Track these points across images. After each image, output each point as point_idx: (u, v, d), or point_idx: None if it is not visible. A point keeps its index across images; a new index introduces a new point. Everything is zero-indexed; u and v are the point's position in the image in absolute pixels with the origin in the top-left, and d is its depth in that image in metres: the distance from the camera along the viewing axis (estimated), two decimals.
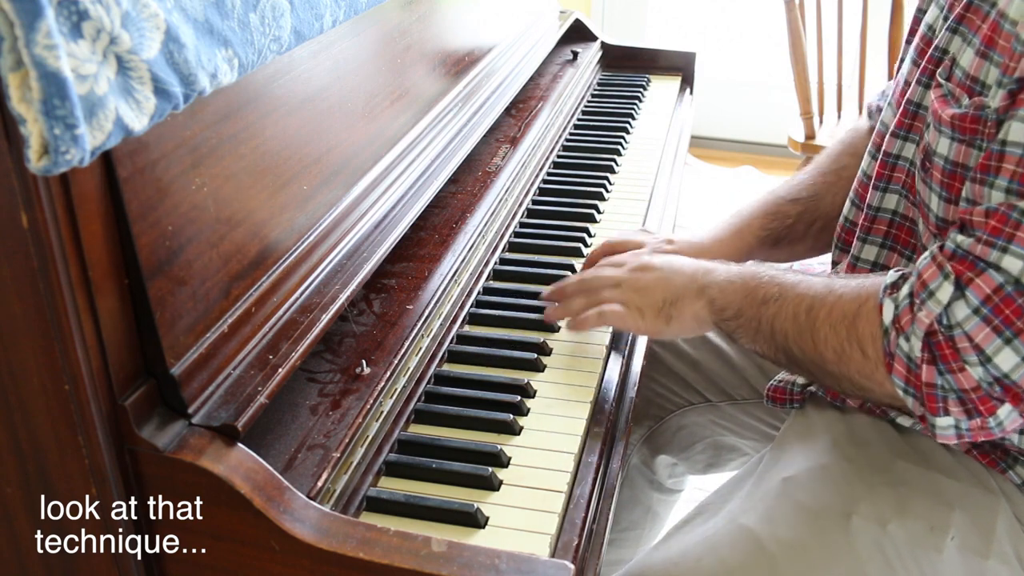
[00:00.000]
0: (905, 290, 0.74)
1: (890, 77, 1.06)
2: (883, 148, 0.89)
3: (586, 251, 1.12)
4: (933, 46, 0.83)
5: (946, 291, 0.70)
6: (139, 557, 0.66)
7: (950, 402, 0.72)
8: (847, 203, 0.97)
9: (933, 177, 0.79)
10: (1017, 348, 0.68)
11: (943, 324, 0.71)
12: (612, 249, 1.04)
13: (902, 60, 0.95)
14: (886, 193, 0.89)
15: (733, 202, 2.94)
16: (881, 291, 0.76)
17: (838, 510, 0.82)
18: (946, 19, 0.84)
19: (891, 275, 0.76)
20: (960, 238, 0.71)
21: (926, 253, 0.74)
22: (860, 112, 2.24)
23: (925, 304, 0.71)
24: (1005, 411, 0.71)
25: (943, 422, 0.73)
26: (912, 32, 0.93)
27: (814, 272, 1.09)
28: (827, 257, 1.11)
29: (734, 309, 0.86)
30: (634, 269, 0.93)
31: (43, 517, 0.66)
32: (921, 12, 0.92)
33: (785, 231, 1.06)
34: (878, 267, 0.91)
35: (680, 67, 1.75)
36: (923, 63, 0.84)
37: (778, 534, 0.82)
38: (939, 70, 0.81)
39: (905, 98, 0.87)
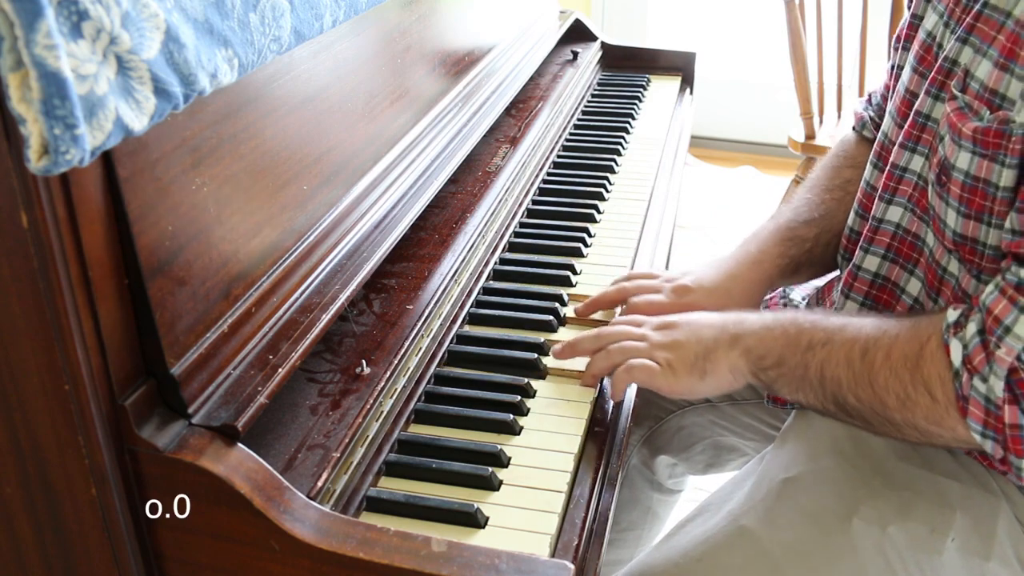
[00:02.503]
0: (973, 328, 0.71)
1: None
2: (891, 160, 0.87)
3: (585, 251, 1.12)
4: (942, 57, 0.81)
5: None
6: (139, 557, 0.66)
7: None
8: (852, 214, 0.96)
9: (950, 192, 0.77)
10: None
11: (1022, 361, 0.68)
12: (624, 296, 0.98)
13: (898, 67, 0.94)
14: (890, 205, 0.87)
15: (733, 202, 2.96)
16: (944, 330, 0.73)
17: (839, 512, 0.82)
18: (948, 26, 0.82)
19: (952, 313, 0.73)
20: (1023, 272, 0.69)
21: (990, 287, 0.71)
22: None
23: (1004, 341, 0.68)
24: None
25: None
26: (908, 38, 0.92)
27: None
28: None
29: (775, 357, 0.81)
30: (658, 326, 0.87)
31: (43, 517, 0.66)
32: (917, 18, 0.90)
33: (804, 256, 1.01)
34: (879, 278, 0.90)
35: (680, 67, 1.75)
36: (932, 74, 0.82)
37: (779, 536, 0.82)
38: (952, 82, 0.78)
39: (913, 109, 0.85)
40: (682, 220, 2.53)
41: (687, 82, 1.74)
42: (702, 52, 1.77)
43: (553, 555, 0.70)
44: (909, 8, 0.93)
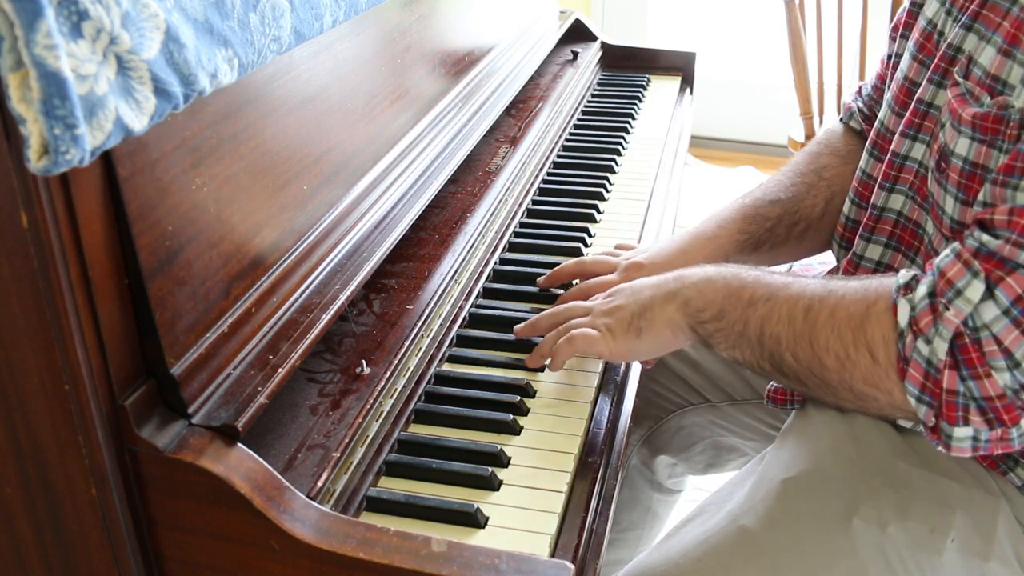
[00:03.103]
0: (923, 290, 0.70)
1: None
2: (891, 148, 0.87)
3: (586, 251, 1.12)
4: (946, 44, 0.80)
5: (976, 289, 0.67)
6: (139, 557, 0.66)
7: (971, 411, 0.68)
8: (847, 202, 0.96)
9: (949, 178, 0.77)
10: None
11: (969, 326, 0.67)
12: (582, 270, 1.01)
13: (895, 56, 0.93)
14: (892, 193, 0.87)
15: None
16: (894, 291, 0.72)
17: (839, 512, 0.82)
18: (950, 14, 0.82)
19: (903, 275, 0.73)
20: (985, 237, 0.68)
21: (947, 251, 0.70)
22: None
23: (953, 303, 0.67)
24: None
25: (961, 432, 0.70)
26: (907, 26, 0.91)
27: (813, 272, 1.09)
28: (825, 256, 1.10)
29: (714, 310, 0.81)
30: (605, 296, 0.90)
31: (43, 517, 0.66)
32: (916, 6, 0.90)
33: (766, 234, 1.01)
34: (882, 267, 0.90)
35: (680, 67, 1.75)
36: (934, 61, 0.82)
37: (779, 536, 0.82)
38: (955, 68, 0.78)
39: (915, 97, 0.84)
40: (682, 220, 2.53)
41: (687, 82, 1.74)
42: (702, 52, 1.77)
43: (553, 555, 0.70)
44: None
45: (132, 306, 0.62)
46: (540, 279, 1.03)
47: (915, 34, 0.87)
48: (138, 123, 0.53)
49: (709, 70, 2.52)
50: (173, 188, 0.64)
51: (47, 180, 0.54)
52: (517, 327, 0.93)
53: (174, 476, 0.63)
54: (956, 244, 0.70)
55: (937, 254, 0.81)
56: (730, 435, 1.16)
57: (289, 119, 0.79)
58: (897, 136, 0.87)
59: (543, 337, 0.91)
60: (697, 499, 0.94)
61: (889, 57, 0.94)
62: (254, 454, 0.64)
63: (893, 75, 0.91)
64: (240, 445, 0.64)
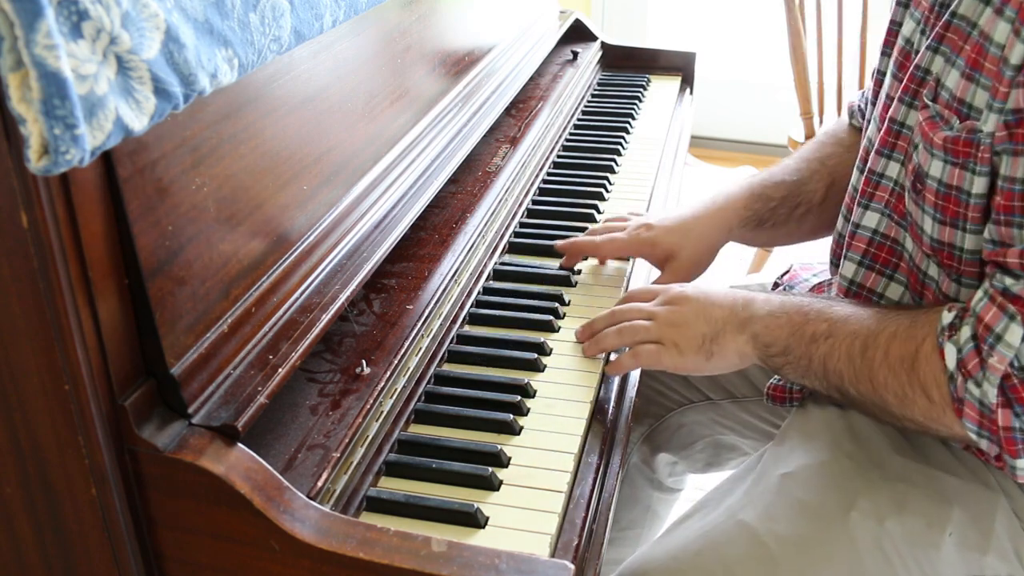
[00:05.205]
0: (967, 332, 0.72)
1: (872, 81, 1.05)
2: (868, 166, 0.88)
3: None
4: (914, 64, 0.81)
5: (1015, 332, 0.68)
6: (139, 557, 0.66)
7: None
8: (840, 218, 0.96)
9: (925, 199, 0.78)
10: None
11: (1015, 367, 0.69)
12: (596, 229, 1.08)
13: (880, 72, 0.93)
14: (867, 211, 0.88)
15: None
16: (939, 333, 0.74)
17: (837, 506, 0.82)
18: (924, 34, 0.82)
19: (946, 315, 0.74)
20: (1008, 280, 0.70)
21: (979, 293, 0.72)
22: None
23: (995, 349, 0.69)
24: None
25: None
26: (888, 43, 0.91)
27: (813, 271, 1.09)
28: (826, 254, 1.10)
29: (781, 346, 0.83)
30: (668, 301, 0.90)
31: (43, 517, 0.66)
32: (896, 24, 0.90)
33: (768, 213, 1.06)
34: (855, 285, 0.90)
35: (680, 67, 1.75)
36: (904, 81, 0.83)
37: (777, 530, 0.82)
38: (924, 91, 0.79)
39: (888, 115, 0.85)
40: None
41: (687, 82, 1.74)
42: (702, 52, 1.77)
43: (553, 555, 0.70)
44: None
45: (132, 306, 0.62)
46: (559, 243, 1.08)
47: (895, 52, 0.88)
48: (138, 123, 0.53)
49: (709, 70, 2.52)
50: (173, 188, 0.64)
51: (47, 180, 0.54)
52: (577, 330, 0.95)
53: (174, 476, 0.63)
54: (987, 286, 0.72)
55: (921, 272, 0.82)
56: (730, 433, 1.16)
57: (289, 119, 0.79)
58: (873, 154, 0.87)
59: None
60: (697, 499, 0.95)
61: (879, 73, 0.95)
62: (254, 454, 0.64)
63: (879, 92, 0.91)
64: (240, 445, 0.64)
